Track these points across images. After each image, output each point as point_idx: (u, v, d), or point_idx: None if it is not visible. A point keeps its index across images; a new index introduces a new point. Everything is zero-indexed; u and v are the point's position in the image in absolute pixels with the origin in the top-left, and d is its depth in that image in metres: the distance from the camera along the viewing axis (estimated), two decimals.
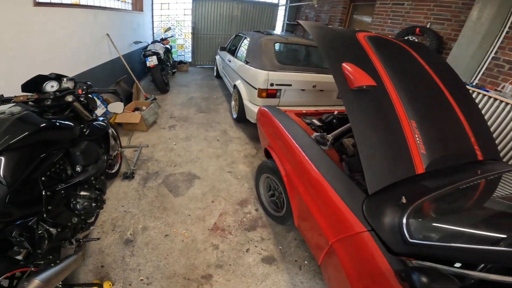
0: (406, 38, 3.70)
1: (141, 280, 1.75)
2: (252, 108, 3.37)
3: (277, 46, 3.61)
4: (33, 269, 1.30)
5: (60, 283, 1.38)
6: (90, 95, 1.87)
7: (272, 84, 3.15)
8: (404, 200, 1.17)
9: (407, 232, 1.06)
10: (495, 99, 2.65)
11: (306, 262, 2.03)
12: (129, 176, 2.66)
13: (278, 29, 9.02)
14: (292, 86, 3.25)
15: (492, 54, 2.82)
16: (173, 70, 7.04)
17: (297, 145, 1.75)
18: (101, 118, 2.14)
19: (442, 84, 1.73)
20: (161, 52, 5.45)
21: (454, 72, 1.96)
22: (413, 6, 3.73)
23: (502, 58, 2.80)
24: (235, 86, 4.13)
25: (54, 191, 1.42)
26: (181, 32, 8.16)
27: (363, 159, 1.23)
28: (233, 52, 4.97)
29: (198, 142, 3.57)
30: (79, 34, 3.42)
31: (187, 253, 1.98)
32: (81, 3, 3.71)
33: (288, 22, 8.69)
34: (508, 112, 2.56)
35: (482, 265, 0.99)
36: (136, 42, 5.66)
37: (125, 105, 4.00)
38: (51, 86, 1.61)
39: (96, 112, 3.16)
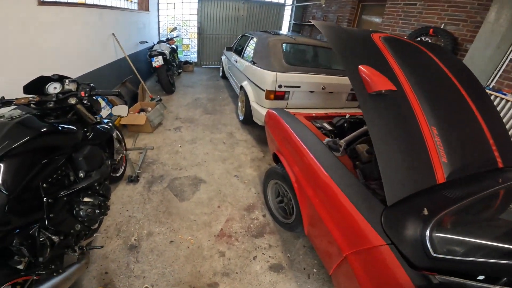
0: (419, 39, 3.62)
1: (146, 287, 1.71)
2: (260, 110, 3.32)
3: (285, 46, 3.55)
4: (35, 277, 1.26)
5: None
6: (94, 97, 1.83)
7: (280, 86, 3.10)
8: (426, 212, 1.12)
9: (431, 246, 1.01)
10: None
11: (315, 270, 1.97)
12: (134, 180, 2.62)
13: (285, 29, 8.97)
14: (300, 88, 3.19)
15: (510, 56, 2.73)
16: (179, 71, 7.03)
17: (308, 151, 1.69)
18: (105, 121, 2.11)
19: (461, 87, 1.66)
20: (167, 52, 5.43)
21: (473, 75, 1.89)
22: (426, 6, 3.64)
23: None
24: (241, 87, 4.09)
25: (56, 198, 1.38)
26: (187, 32, 8.17)
27: (382, 169, 1.17)
28: (239, 52, 4.93)
29: (204, 144, 3.53)
30: (85, 34, 3.41)
31: (192, 260, 1.94)
32: (86, 2, 3.70)
33: (294, 22, 8.63)
34: None
35: (505, 278, 0.94)
36: (142, 42, 5.67)
37: (130, 106, 4.01)
38: (53, 88, 1.57)
39: (101, 113, 3.15)
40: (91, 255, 1.86)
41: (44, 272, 1.29)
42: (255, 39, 4.17)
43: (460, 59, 2.78)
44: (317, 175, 1.58)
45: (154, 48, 5.51)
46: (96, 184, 1.68)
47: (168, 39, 6.44)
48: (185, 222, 2.26)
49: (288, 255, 2.07)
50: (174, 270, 1.85)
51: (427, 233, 1.04)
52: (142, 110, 3.96)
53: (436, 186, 1.24)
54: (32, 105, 1.52)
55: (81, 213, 1.55)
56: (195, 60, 8.53)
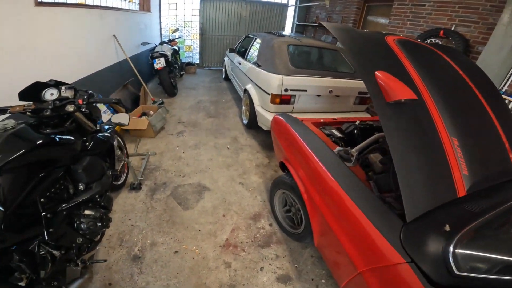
0: (428, 40, 3.56)
1: None
2: (265, 114, 3.27)
3: (290, 48, 3.49)
4: None
5: None
6: (93, 104, 1.77)
7: (286, 90, 3.04)
8: (448, 228, 1.06)
9: (454, 264, 0.97)
10: None
11: (323, 281, 1.93)
12: (136, 187, 2.58)
13: (288, 30, 8.93)
14: (307, 91, 3.14)
15: None
16: (181, 73, 7.00)
17: (318, 161, 1.64)
18: (106, 127, 2.05)
19: (479, 92, 1.60)
20: (169, 53, 5.40)
21: (489, 79, 1.83)
22: (435, 7, 3.58)
23: None
24: (245, 91, 4.04)
25: (55, 212, 1.33)
26: (189, 33, 8.14)
27: (401, 183, 1.12)
28: (242, 54, 4.89)
29: (207, 150, 3.49)
30: (85, 36, 3.37)
31: (198, 271, 1.90)
32: (87, 3, 3.66)
33: (298, 23, 8.58)
34: None
35: None
36: (144, 43, 5.64)
37: (132, 110, 3.97)
38: (50, 94, 1.50)
39: (101, 119, 3.11)
40: (94, 267, 1.83)
41: None
42: (259, 41, 4.13)
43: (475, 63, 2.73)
44: (328, 187, 1.53)
45: (156, 50, 5.49)
46: (97, 196, 1.63)
47: (170, 40, 6.42)
48: (190, 231, 2.22)
49: (296, 265, 2.03)
50: (179, 282, 1.81)
51: (450, 250, 0.99)
52: (144, 114, 3.92)
53: (457, 200, 1.19)
54: (28, 113, 1.45)
55: (82, 226, 1.51)
56: (197, 62, 8.50)
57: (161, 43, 6.20)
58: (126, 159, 2.51)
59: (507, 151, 1.48)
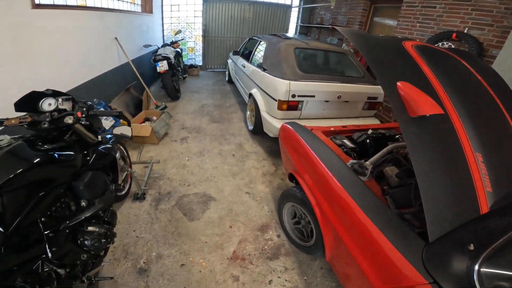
0: (440, 43, 3.50)
1: None
2: (271, 121, 3.21)
3: (297, 52, 3.44)
4: None
5: None
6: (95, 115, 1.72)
7: (293, 96, 2.98)
8: (472, 247, 1.02)
9: (479, 283, 0.93)
10: None
11: None
12: (140, 197, 2.55)
13: (291, 32, 8.90)
14: (315, 97, 3.08)
15: None
16: (184, 76, 6.98)
17: (331, 175, 1.58)
18: (108, 136, 2.00)
19: (500, 102, 1.55)
20: (172, 56, 5.37)
21: (508, 87, 1.77)
22: (447, 9, 3.51)
23: None
24: (250, 95, 3.99)
25: (58, 231, 1.30)
26: (192, 35, 8.13)
27: (425, 203, 1.08)
28: (247, 56, 4.86)
29: (212, 157, 3.44)
30: (85, 39, 3.34)
31: (205, 285, 1.87)
32: (87, 5, 3.63)
33: (301, 24, 8.54)
34: None
35: None
36: (146, 46, 5.63)
37: (135, 115, 3.94)
38: (48, 104, 1.40)
39: (104, 125, 3.06)
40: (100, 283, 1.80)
41: None
42: (264, 43, 4.09)
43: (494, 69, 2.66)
44: (342, 203, 1.48)
45: (158, 52, 5.45)
46: (100, 211, 1.59)
47: (172, 42, 6.40)
48: (196, 243, 2.18)
49: (305, 278, 2.00)
50: None
51: (475, 268, 0.96)
52: (147, 119, 3.89)
53: (480, 218, 1.14)
54: (25, 126, 1.38)
55: (86, 243, 1.48)
56: (200, 64, 8.49)
57: (164, 45, 6.17)
58: (129, 169, 2.47)
59: None
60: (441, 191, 1.14)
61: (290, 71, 3.12)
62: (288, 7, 8.32)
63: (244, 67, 4.71)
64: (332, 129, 2.30)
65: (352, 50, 4.87)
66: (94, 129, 1.74)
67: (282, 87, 2.98)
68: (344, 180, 1.54)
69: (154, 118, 3.89)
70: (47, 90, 1.46)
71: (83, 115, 1.50)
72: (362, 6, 5.74)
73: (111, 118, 3.22)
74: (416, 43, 1.58)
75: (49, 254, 1.24)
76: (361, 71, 3.49)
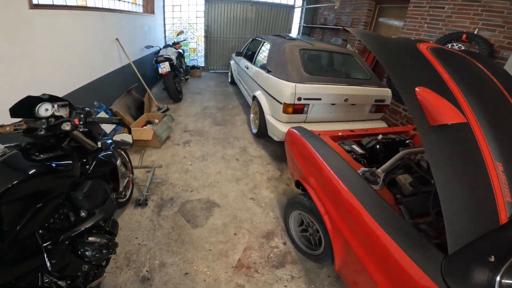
0: (449, 45, 3.45)
1: None
2: (276, 125, 3.16)
3: (303, 53, 3.39)
4: None
5: None
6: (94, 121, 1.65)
7: (299, 99, 2.93)
8: (492, 259, 0.98)
9: None
10: None
11: None
12: (142, 203, 2.51)
13: (294, 32, 8.87)
14: (321, 100, 3.03)
15: None
16: (186, 77, 6.96)
17: (342, 184, 1.53)
18: (109, 141, 1.95)
19: None
20: (174, 57, 5.34)
21: None
22: (456, 10, 3.46)
23: None
24: (254, 98, 3.95)
25: (57, 243, 1.26)
26: (194, 36, 8.12)
27: (446, 215, 1.03)
28: (250, 58, 4.82)
29: (215, 162, 3.40)
30: (86, 40, 3.30)
31: None
32: (87, 5, 3.60)
33: (304, 25, 8.50)
34: None
35: None
36: (148, 47, 5.61)
37: (136, 117, 3.90)
38: (45, 110, 1.35)
39: (104, 129, 3.01)
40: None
41: None
42: (268, 44, 4.05)
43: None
44: (354, 213, 1.43)
45: (160, 53, 5.43)
46: (101, 222, 1.55)
47: (174, 43, 6.38)
48: (200, 251, 2.14)
49: (312, 286, 1.97)
50: None
51: (497, 280, 0.92)
52: (148, 122, 3.86)
53: (500, 228, 1.10)
54: (20, 133, 1.33)
55: (87, 253, 1.44)
56: (202, 65, 8.47)
57: (166, 46, 6.14)
58: (130, 175, 2.42)
59: None
60: (461, 202, 1.10)
61: (295, 73, 3.07)
62: (291, 8, 8.29)
63: (247, 68, 4.67)
64: (340, 134, 2.25)
65: (356, 51, 4.82)
66: (93, 135, 1.68)
67: (288, 89, 2.93)
68: (356, 189, 1.49)
69: (156, 121, 3.86)
70: (43, 94, 1.40)
71: (81, 122, 1.45)
72: (367, 7, 5.70)
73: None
74: (431, 45, 1.53)
75: (49, 266, 1.21)
76: (368, 73, 3.44)
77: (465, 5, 3.38)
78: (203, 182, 2.97)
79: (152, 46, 5.73)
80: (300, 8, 8.47)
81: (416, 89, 1.17)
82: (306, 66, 3.22)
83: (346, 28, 1.89)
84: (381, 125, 3.48)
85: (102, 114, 3.06)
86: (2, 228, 1.01)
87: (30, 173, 1.12)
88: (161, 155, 3.42)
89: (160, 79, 5.49)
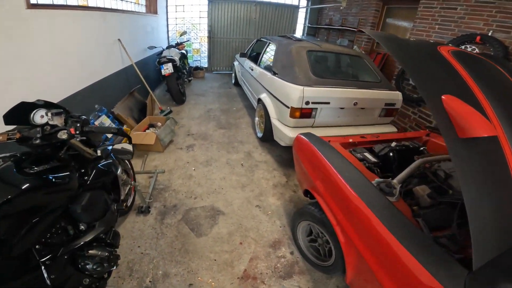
0: (463, 47, 3.37)
1: None
2: (282, 129, 3.10)
3: (310, 55, 3.31)
4: None
5: None
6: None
7: (307, 103, 2.86)
8: None
9: None
10: None
11: None
12: (144, 211, 2.46)
13: (298, 33, 8.82)
14: (330, 104, 2.96)
15: None
16: (189, 78, 6.93)
17: (356, 195, 1.47)
18: (110, 147, 1.88)
19: None
20: (177, 58, 5.31)
21: None
22: (469, 11, 3.39)
23: None
24: (259, 100, 3.89)
25: (55, 258, 1.21)
26: (197, 36, 8.09)
27: (474, 232, 0.97)
28: (255, 59, 4.76)
29: (219, 167, 3.34)
30: (86, 41, 3.26)
31: None
32: (89, 5, 3.57)
33: (309, 25, 8.44)
34: None
35: None
36: (151, 47, 5.59)
37: (139, 120, 3.86)
38: (40, 117, 1.29)
39: (105, 134, 2.97)
40: None
41: None
42: (274, 45, 3.99)
43: None
44: (369, 227, 1.37)
45: (163, 54, 5.41)
46: (101, 234, 1.50)
47: (177, 44, 6.35)
48: (204, 261, 2.09)
49: None
50: None
51: None
52: (151, 126, 3.81)
53: None
54: (15, 142, 1.27)
55: (87, 267, 1.40)
56: (206, 66, 8.44)
57: (169, 46, 6.12)
58: (132, 182, 2.37)
59: None
60: (489, 218, 1.03)
61: (303, 76, 3.00)
62: (295, 8, 8.26)
63: (252, 70, 4.61)
64: (350, 140, 2.18)
65: (363, 52, 4.75)
66: (92, 142, 1.61)
67: (295, 93, 2.86)
68: (371, 201, 1.42)
69: (159, 124, 3.82)
70: (38, 100, 1.34)
71: (77, 132, 1.37)
72: (374, 7, 5.63)
73: (114, 125, 3.13)
74: (452, 49, 1.46)
75: (48, 283, 1.16)
76: (377, 76, 3.37)
77: (478, 6, 3.31)
78: (207, 188, 2.92)
79: (155, 47, 5.69)
80: (305, 9, 8.42)
81: (442, 97, 1.10)
82: (314, 68, 3.15)
83: (362, 29, 1.83)
84: (391, 129, 3.41)
85: (103, 118, 3.01)
86: None
87: (23, 187, 1.06)
88: (164, 160, 3.37)
89: (163, 81, 5.45)
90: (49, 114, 1.30)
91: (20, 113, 1.26)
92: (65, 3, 3.06)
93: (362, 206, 1.42)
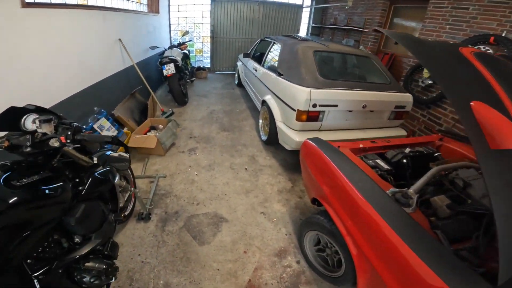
0: (476, 47, 3.29)
1: None
2: (288, 133, 3.02)
3: (317, 55, 3.23)
4: None
5: None
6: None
7: (315, 105, 2.78)
8: None
9: None
10: None
11: None
12: (145, 217, 2.40)
13: (302, 33, 8.77)
14: (338, 107, 2.88)
15: None
16: (192, 79, 6.88)
17: (371, 207, 1.39)
18: (108, 153, 1.80)
19: None
20: (179, 58, 5.25)
21: None
22: (481, 11, 3.31)
23: None
24: (263, 102, 3.82)
25: (49, 272, 1.15)
26: (200, 36, 8.06)
27: (503, 247, 0.90)
28: (259, 59, 4.70)
29: (223, 171, 3.27)
30: (86, 41, 3.20)
31: None
32: (89, 4, 3.52)
33: (313, 25, 8.38)
34: None
35: None
36: (152, 48, 5.55)
37: (140, 122, 3.80)
38: (31, 122, 1.22)
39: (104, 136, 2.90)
40: None
41: None
42: (278, 45, 3.92)
43: None
44: (385, 240, 1.29)
45: (165, 54, 5.36)
46: (98, 246, 1.43)
47: (180, 44, 6.31)
48: (207, 271, 2.03)
49: None
50: None
51: None
52: (152, 128, 3.75)
53: None
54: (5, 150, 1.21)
55: (84, 280, 1.33)
56: (208, 66, 8.41)
57: (171, 47, 6.08)
58: (132, 188, 2.29)
59: None
60: None
61: (310, 77, 2.92)
62: (299, 7, 8.20)
63: (255, 70, 4.55)
64: (361, 145, 2.10)
65: (369, 52, 4.67)
66: (88, 149, 1.54)
67: (302, 95, 2.78)
68: (386, 213, 1.34)
69: (160, 126, 3.76)
70: (28, 105, 1.27)
71: (68, 140, 1.30)
72: (381, 7, 5.56)
73: (114, 128, 3.07)
74: (474, 50, 1.38)
75: None
76: (387, 77, 3.28)
77: (491, 6, 3.23)
78: (210, 194, 2.85)
79: (157, 47, 5.66)
80: (309, 8, 8.36)
81: (471, 103, 1.02)
82: (321, 69, 3.07)
83: (379, 29, 1.73)
84: (400, 132, 3.33)
85: (103, 121, 2.95)
86: None
87: (10, 202, 0.99)
88: (166, 164, 3.31)
89: (165, 81, 5.40)
90: (37, 121, 1.22)
91: (10, 119, 1.19)
92: (63, 2, 3.01)
93: (377, 218, 1.34)
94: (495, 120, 0.97)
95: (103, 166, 1.65)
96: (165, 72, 4.81)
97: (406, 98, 3.12)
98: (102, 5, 3.83)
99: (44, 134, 1.24)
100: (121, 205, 2.12)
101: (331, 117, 2.95)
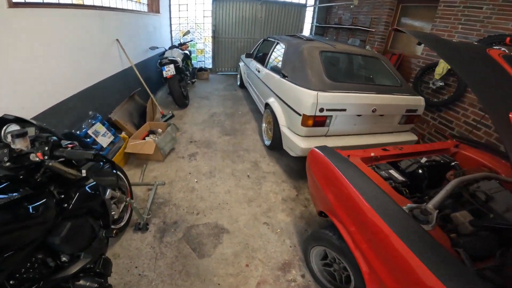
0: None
1: None
2: (293, 139, 2.91)
3: (323, 56, 3.11)
4: None
5: None
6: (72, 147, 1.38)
7: (322, 110, 2.67)
8: None
9: None
10: None
11: None
12: (142, 228, 2.31)
13: (306, 32, 8.70)
14: (346, 111, 2.76)
15: None
16: (193, 80, 6.82)
17: (386, 225, 1.28)
18: (101, 163, 1.68)
19: None
20: (179, 59, 5.18)
21: None
22: (496, 11, 3.20)
23: None
24: (267, 105, 3.72)
25: None
26: (201, 36, 8.01)
27: None
28: (261, 60, 4.61)
29: (224, 179, 3.17)
30: (80, 41, 3.11)
31: None
32: (85, 3, 3.45)
33: (317, 24, 8.29)
34: None
35: None
36: (152, 48, 5.50)
37: (139, 126, 3.71)
38: (5, 137, 1.15)
39: (100, 143, 2.80)
40: None
41: None
42: (282, 46, 3.82)
43: None
44: (402, 262, 1.18)
45: (165, 55, 5.30)
46: (88, 265, 1.34)
47: (180, 44, 6.26)
48: (207, 286, 1.95)
49: None
50: None
51: None
52: (151, 132, 3.66)
53: None
54: None
55: None
56: (210, 66, 8.35)
57: (171, 47, 6.02)
58: (128, 199, 2.19)
59: None
60: None
61: (316, 79, 2.81)
62: (303, 7, 8.14)
63: (258, 71, 4.46)
64: (372, 154, 1.98)
65: (376, 52, 4.57)
66: (75, 161, 1.43)
67: (308, 99, 2.66)
68: (403, 232, 1.24)
69: (160, 130, 3.67)
70: (5, 115, 1.20)
71: (45, 156, 1.20)
72: (388, 6, 5.47)
73: (110, 134, 2.97)
74: (503, 53, 1.27)
75: None
76: (398, 79, 3.17)
77: (506, 6, 3.12)
78: (211, 203, 2.75)
79: (157, 47, 5.60)
80: (312, 7, 8.28)
81: (510, 115, 0.92)
82: (329, 71, 2.96)
83: (400, 29, 1.62)
84: (411, 137, 3.22)
85: (98, 126, 2.85)
86: None
87: None
88: (164, 170, 3.22)
89: (165, 83, 5.32)
90: (9, 137, 1.12)
91: None
92: (56, 2, 2.92)
93: (394, 238, 1.23)
94: None
95: (93, 178, 1.54)
96: (165, 74, 4.73)
97: (418, 101, 3.00)
98: (100, 4, 3.76)
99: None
100: (116, 216, 2.02)
101: (339, 122, 2.84)
